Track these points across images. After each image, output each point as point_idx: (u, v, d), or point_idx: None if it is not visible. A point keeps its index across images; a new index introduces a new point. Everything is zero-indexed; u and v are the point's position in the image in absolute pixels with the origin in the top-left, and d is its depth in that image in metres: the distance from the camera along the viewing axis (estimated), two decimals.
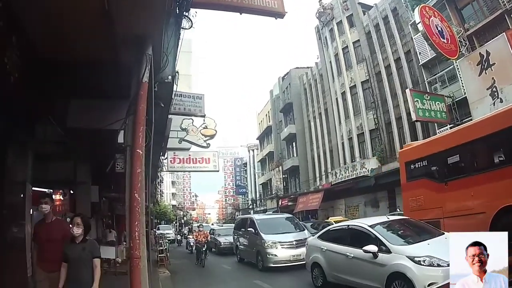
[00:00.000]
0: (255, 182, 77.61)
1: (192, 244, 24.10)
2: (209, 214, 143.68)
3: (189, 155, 21.95)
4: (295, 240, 15.05)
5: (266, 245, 15.21)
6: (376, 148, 30.57)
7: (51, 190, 12.07)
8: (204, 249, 18.74)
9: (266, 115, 62.74)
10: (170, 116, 13.69)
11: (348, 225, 10.26)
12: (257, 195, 73.34)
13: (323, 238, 10.67)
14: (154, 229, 38.40)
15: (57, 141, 9.72)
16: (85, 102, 8.70)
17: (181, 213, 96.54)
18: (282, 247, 14.99)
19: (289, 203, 47.00)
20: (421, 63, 25.93)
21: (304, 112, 46.33)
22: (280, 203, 50.17)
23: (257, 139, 68.75)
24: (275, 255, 14.82)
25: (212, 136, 19.86)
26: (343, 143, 36.09)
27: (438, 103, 22.67)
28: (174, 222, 76.82)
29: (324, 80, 40.30)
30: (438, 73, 25.02)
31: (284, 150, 52.10)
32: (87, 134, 9.38)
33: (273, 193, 54.07)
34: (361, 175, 30.73)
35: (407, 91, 23.09)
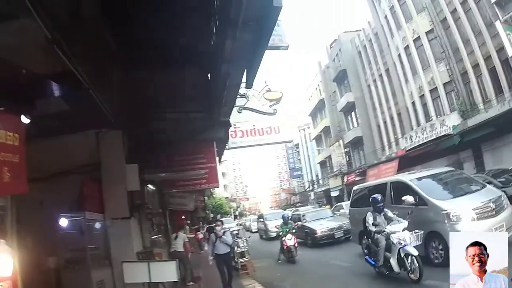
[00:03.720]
0: (310, 163, 77.27)
1: None
2: (260, 203, 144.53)
3: (254, 126, 18.73)
4: (491, 201, 9.93)
5: (451, 218, 9.59)
6: (457, 102, 29.42)
7: None
8: None
9: (316, 88, 62.08)
10: None
11: None
12: (315, 176, 73.01)
13: None
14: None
15: None
16: None
17: (235, 204, 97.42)
18: (478, 217, 9.55)
19: (357, 178, 46.16)
20: (493, 1, 24.54)
21: (362, 77, 45.32)
22: (346, 179, 49.64)
23: (309, 115, 68.08)
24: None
25: (278, 100, 18.00)
26: (413, 103, 34.95)
27: None
28: (229, 215, 77.48)
29: (381, 39, 39.16)
30: None
31: (343, 122, 51.28)
32: None
33: (335, 170, 53.43)
34: (442, 134, 29.58)
35: (497, 24, 21.98)
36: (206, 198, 38.12)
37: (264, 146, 20.36)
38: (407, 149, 34.67)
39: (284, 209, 49.17)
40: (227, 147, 18.21)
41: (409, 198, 10.58)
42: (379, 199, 10.10)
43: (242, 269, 14.99)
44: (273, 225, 28.21)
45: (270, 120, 18.57)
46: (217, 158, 15.18)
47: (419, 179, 11.84)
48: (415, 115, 35.07)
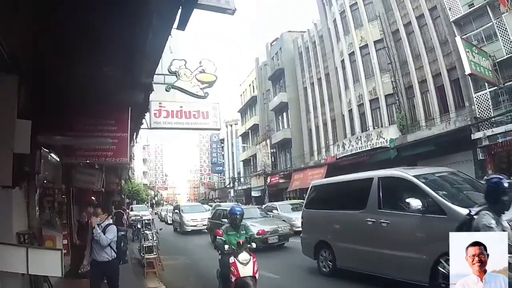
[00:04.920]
0: (233, 159, 75.27)
1: None
2: (179, 194, 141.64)
3: (181, 107, 16.10)
4: None
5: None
6: (397, 116, 27.92)
7: None
8: None
9: (250, 85, 59.81)
10: None
11: None
12: (237, 173, 71.05)
13: None
14: (127, 210, 34.99)
15: None
16: None
17: (152, 193, 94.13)
18: None
19: (280, 181, 44.73)
20: (452, 20, 23.30)
21: (299, 78, 43.35)
22: (269, 180, 47.73)
23: (238, 111, 65.74)
24: None
25: (211, 83, 15.24)
26: (351, 111, 33.15)
27: (484, 59, 20.33)
28: (146, 202, 73.94)
29: (326, 42, 37.24)
30: (474, 31, 22.47)
31: (273, 121, 49.23)
32: None
33: (259, 170, 51.29)
34: (377, 146, 28.11)
35: (457, 39, 20.49)
36: (123, 181, 34.38)
37: (189, 136, 17.36)
38: (338, 157, 33.01)
39: (203, 203, 46.51)
40: (146, 124, 15.50)
41: (415, 202, 7.15)
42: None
43: (148, 267, 12.13)
44: (189, 218, 27.73)
45: (199, 104, 16.10)
46: (133, 133, 13.59)
47: (426, 176, 8.22)
48: (350, 124, 33.30)
